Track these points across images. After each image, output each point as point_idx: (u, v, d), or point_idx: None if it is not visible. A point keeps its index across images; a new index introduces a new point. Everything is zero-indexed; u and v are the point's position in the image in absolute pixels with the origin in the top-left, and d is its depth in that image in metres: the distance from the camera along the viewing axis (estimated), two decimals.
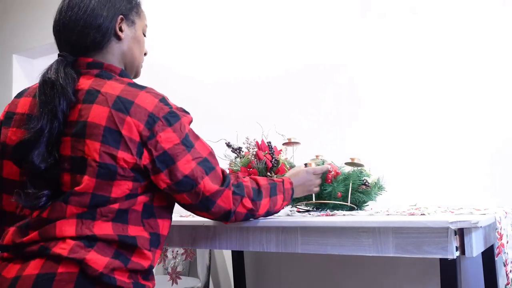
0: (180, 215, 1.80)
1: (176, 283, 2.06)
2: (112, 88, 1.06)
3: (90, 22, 1.12)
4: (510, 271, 1.31)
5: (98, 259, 0.98)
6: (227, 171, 1.24)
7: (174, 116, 1.08)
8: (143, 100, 1.05)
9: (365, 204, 1.62)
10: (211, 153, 1.16)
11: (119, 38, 1.18)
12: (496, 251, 1.26)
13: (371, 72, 2.08)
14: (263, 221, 1.35)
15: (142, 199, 1.07)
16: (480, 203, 1.78)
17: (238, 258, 2.26)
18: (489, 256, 1.55)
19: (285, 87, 2.29)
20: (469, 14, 1.90)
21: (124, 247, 1.03)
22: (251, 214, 1.25)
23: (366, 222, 1.18)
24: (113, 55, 1.17)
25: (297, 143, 1.68)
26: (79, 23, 1.12)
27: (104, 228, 1.01)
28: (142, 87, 1.10)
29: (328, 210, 1.56)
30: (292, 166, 1.63)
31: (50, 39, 3.50)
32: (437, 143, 1.92)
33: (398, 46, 2.03)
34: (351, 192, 1.52)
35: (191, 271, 2.48)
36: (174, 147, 1.06)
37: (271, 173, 1.65)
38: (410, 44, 2.01)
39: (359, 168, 1.57)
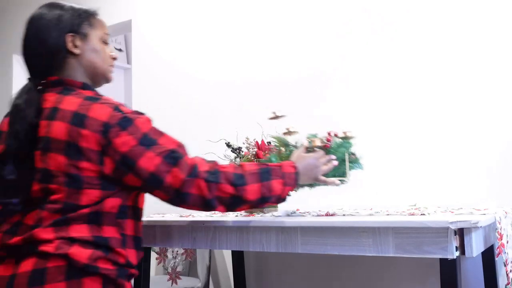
0: (180, 215, 1.80)
1: (176, 283, 2.06)
2: (70, 103, 1.15)
3: (39, 47, 1.22)
4: (510, 271, 1.31)
5: (80, 252, 1.08)
6: (200, 159, 1.21)
7: (127, 121, 1.13)
8: (96, 111, 1.13)
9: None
10: (179, 145, 1.18)
11: (75, 54, 1.24)
12: (497, 251, 1.26)
13: (370, 73, 2.08)
14: (263, 221, 1.34)
15: (112, 202, 1.14)
16: (480, 203, 1.78)
17: (238, 258, 2.26)
18: (489, 256, 1.55)
19: (285, 88, 2.29)
20: (481, 14, 1.90)
21: (100, 246, 1.12)
22: (239, 200, 1.20)
23: (366, 222, 1.18)
24: (74, 70, 1.24)
25: (282, 116, 1.56)
26: (31, 49, 1.24)
27: (79, 230, 1.10)
28: (96, 99, 1.16)
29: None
30: (284, 144, 1.52)
31: None
32: (437, 143, 1.92)
33: (399, 46, 2.03)
34: (341, 162, 1.43)
35: (191, 271, 2.48)
36: (132, 149, 1.12)
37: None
38: (411, 44, 2.00)
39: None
